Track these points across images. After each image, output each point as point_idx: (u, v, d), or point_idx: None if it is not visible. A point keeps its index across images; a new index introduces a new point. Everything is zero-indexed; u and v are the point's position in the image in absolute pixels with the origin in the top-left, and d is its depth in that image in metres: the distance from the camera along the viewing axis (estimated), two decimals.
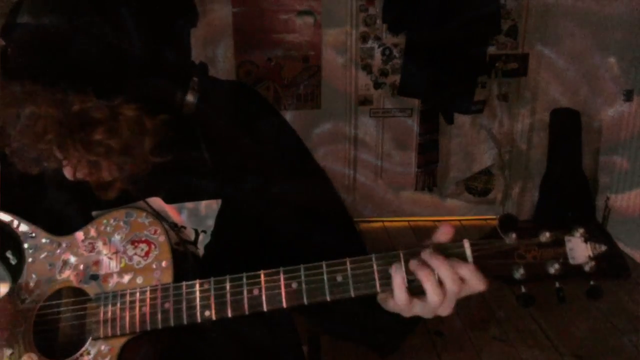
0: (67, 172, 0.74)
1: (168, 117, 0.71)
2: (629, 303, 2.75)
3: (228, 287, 0.77)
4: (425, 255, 0.73)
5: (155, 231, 0.81)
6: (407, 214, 3.84)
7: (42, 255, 0.82)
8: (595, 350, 2.50)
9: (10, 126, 0.65)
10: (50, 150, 0.68)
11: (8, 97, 0.63)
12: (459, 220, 3.85)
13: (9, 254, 0.82)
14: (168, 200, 0.86)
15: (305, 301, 0.76)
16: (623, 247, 3.30)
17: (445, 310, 0.74)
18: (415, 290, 0.73)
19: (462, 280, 0.72)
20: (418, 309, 0.75)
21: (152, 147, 0.71)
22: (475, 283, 0.71)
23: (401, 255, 0.75)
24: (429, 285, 0.71)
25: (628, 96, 3.37)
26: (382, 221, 3.82)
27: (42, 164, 0.70)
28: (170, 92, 0.71)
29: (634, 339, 2.56)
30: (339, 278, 0.75)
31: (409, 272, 0.73)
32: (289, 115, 3.45)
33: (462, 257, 0.73)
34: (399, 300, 0.74)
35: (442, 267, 0.71)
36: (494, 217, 3.87)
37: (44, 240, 0.82)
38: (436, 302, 0.72)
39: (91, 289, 0.80)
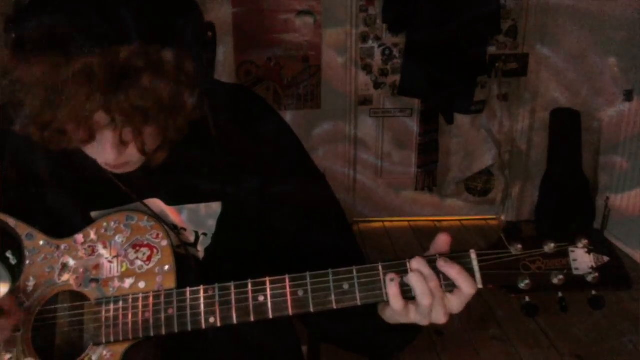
0: (109, 147, 0.70)
1: (200, 66, 0.69)
2: (629, 303, 2.75)
3: (233, 294, 0.76)
4: (415, 264, 0.75)
5: (158, 235, 0.81)
6: (407, 214, 3.83)
7: (40, 258, 0.80)
8: (595, 350, 2.50)
9: (54, 99, 0.62)
10: (95, 114, 0.65)
11: (49, 69, 0.61)
12: (459, 220, 3.85)
13: (9, 254, 0.81)
14: (169, 201, 0.86)
15: (311, 309, 0.75)
16: (623, 247, 3.30)
17: (440, 317, 0.75)
18: (409, 294, 0.75)
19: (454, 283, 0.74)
20: (413, 315, 0.76)
21: (190, 102, 0.69)
22: (465, 286, 0.73)
23: (407, 264, 0.76)
24: (419, 289, 0.74)
25: (628, 96, 3.37)
26: (382, 221, 3.82)
27: (83, 137, 0.67)
28: (195, 41, 0.69)
29: (634, 339, 2.56)
30: (346, 286, 0.75)
31: (404, 284, 0.75)
32: (289, 115, 3.45)
33: (469, 268, 0.74)
34: (395, 306, 0.75)
35: (430, 277, 0.74)
36: (494, 217, 3.88)
37: (41, 243, 0.81)
38: (426, 304, 0.74)
39: (92, 293, 0.79)
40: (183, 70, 0.66)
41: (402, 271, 0.75)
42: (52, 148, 0.70)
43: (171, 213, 0.86)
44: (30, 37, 0.62)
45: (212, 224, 0.87)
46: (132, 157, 0.75)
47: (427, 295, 0.73)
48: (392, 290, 0.75)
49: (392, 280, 0.74)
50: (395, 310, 0.76)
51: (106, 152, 0.71)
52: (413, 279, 0.74)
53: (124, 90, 0.63)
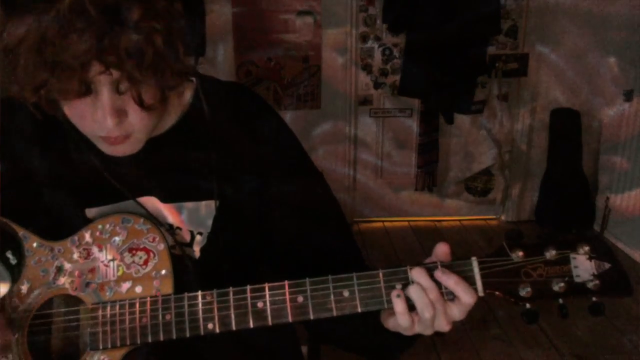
0: (107, 108, 0.68)
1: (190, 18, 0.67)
2: (629, 303, 2.74)
3: (232, 300, 0.75)
4: (415, 275, 0.74)
5: (154, 239, 0.79)
6: (407, 214, 3.83)
7: (34, 261, 0.79)
8: (595, 350, 2.50)
9: (48, 47, 0.60)
10: (89, 60, 0.62)
11: (40, 12, 0.59)
12: (459, 220, 3.85)
13: (9, 254, 0.80)
14: (164, 199, 0.85)
15: (311, 316, 0.74)
16: (623, 247, 3.30)
17: (442, 326, 0.75)
18: (409, 303, 0.74)
19: (451, 292, 0.73)
20: (417, 326, 0.75)
21: (184, 57, 0.67)
22: (464, 295, 0.73)
23: (408, 270, 0.75)
24: (420, 302, 0.73)
25: (628, 96, 3.37)
26: (382, 221, 3.82)
27: (79, 89, 0.65)
28: None
29: (634, 339, 2.56)
30: (346, 293, 0.74)
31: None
32: (289, 115, 3.45)
33: (470, 276, 0.74)
34: (402, 323, 0.74)
35: (430, 289, 0.73)
36: (494, 217, 3.88)
37: (35, 245, 0.79)
38: (428, 317, 0.73)
39: (88, 297, 0.78)
40: (174, 14, 0.65)
41: (403, 279, 0.74)
42: (49, 111, 0.68)
43: (168, 211, 0.85)
44: None
45: (209, 223, 0.86)
46: (133, 129, 0.72)
47: (428, 308, 0.73)
48: (399, 306, 0.73)
49: (398, 296, 0.73)
50: (403, 326, 0.75)
51: (105, 116, 0.68)
52: (413, 293, 0.73)
53: (116, 30, 0.61)
